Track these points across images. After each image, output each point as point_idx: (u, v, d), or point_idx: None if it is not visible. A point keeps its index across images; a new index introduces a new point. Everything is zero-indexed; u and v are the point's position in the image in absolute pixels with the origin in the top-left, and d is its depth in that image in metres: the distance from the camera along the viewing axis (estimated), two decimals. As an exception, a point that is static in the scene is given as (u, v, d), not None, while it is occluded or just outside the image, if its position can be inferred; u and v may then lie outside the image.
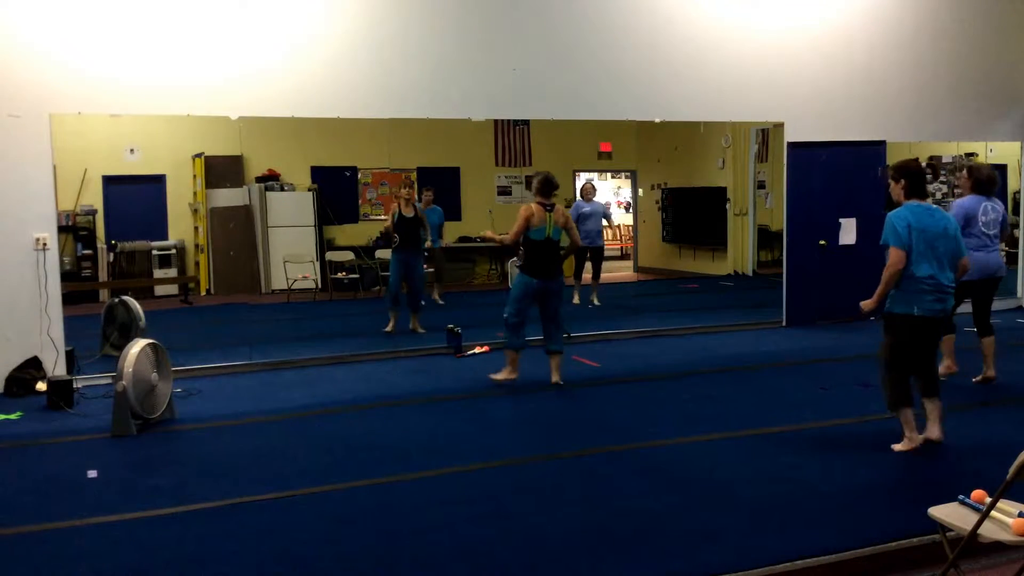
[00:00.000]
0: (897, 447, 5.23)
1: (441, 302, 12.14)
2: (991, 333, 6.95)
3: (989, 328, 6.96)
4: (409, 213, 9.48)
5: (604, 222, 12.16)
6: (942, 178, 13.91)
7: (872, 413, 5.34)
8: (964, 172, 7.09)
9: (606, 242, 19.88)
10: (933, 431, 5.28)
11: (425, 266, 10.74)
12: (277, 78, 7.82)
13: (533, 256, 6.92)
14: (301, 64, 7.91)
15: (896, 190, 5.30)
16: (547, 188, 6.94)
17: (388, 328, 9.63)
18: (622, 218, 21.00)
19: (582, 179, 17.96)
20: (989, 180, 6.87)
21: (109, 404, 6.04)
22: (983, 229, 6.70)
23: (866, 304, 5.23)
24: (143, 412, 5.98)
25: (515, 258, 7.10)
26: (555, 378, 7.13)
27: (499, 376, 7.17)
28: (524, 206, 6.96)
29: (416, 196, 10.80)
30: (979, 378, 6.91)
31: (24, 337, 7.19)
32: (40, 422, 6.33)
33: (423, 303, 9.88)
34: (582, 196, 11.92)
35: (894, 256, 5.05)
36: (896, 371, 5.20)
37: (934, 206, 5.28)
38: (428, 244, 10.00)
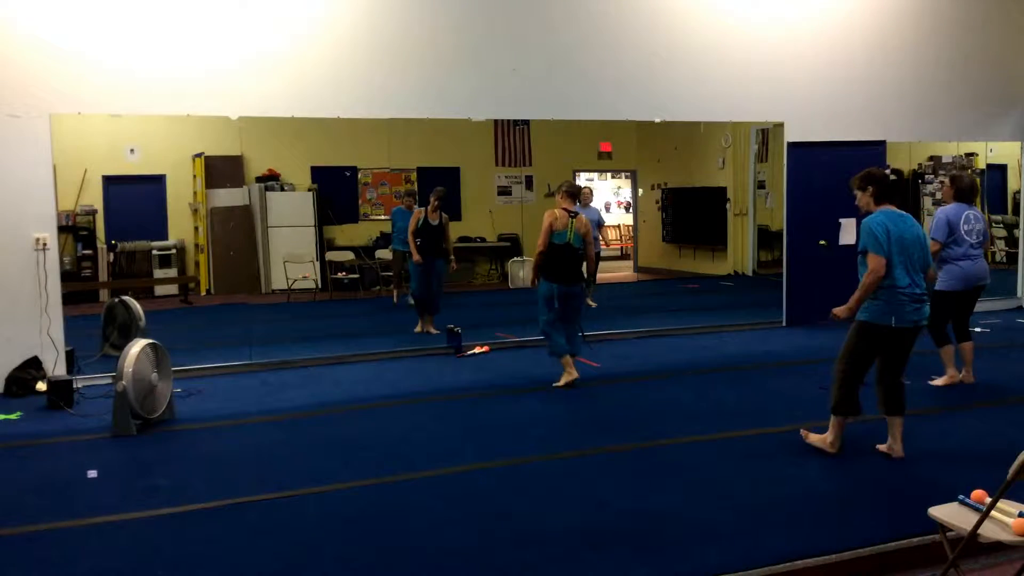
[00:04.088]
0: (812, 437, 5.30)
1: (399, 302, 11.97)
2: (970, 339, 6.98)
3: (968, 334, 6.98)
4: (435, 220, 9.55)
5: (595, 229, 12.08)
6: (941, 175, 13.86)
7: (871, 414, 5.34)
8: (947, 180, 7.04)
9: (609, 242, 20.05)
10: (896, 448, 5.13)
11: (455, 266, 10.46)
12: (277, 78, 7.82)
13: (553, 261, 6.98)
14: (301, 64, 7.91)
15: (864, 199, 5.18)
16: (572, 194, 7.17)
17: (418, 328, 9.67)
18: (622, 218, 21.01)
19: (582, 179, 18.02)
20: (971, 188, 6.83)
21: (109, 404, 6.05)
22: (966, 237, 6.64)
23: (839, 311, 5.11)
24: (143, 412, 5.98)
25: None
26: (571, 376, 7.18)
27: (561, 382, 7.12)
28: (547, 212, 7.06)
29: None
30: (942, 380, 6.87)
31: (24, 337, 7.20)
32: (40, 422, 6.33)
33: (438, 306, 9.86)
34: (579, 201, 11.84)
35: (875, 263, 4.92)
36: (853, 378, 5.13)
37: (905, 213, 5.16)
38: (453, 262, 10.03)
